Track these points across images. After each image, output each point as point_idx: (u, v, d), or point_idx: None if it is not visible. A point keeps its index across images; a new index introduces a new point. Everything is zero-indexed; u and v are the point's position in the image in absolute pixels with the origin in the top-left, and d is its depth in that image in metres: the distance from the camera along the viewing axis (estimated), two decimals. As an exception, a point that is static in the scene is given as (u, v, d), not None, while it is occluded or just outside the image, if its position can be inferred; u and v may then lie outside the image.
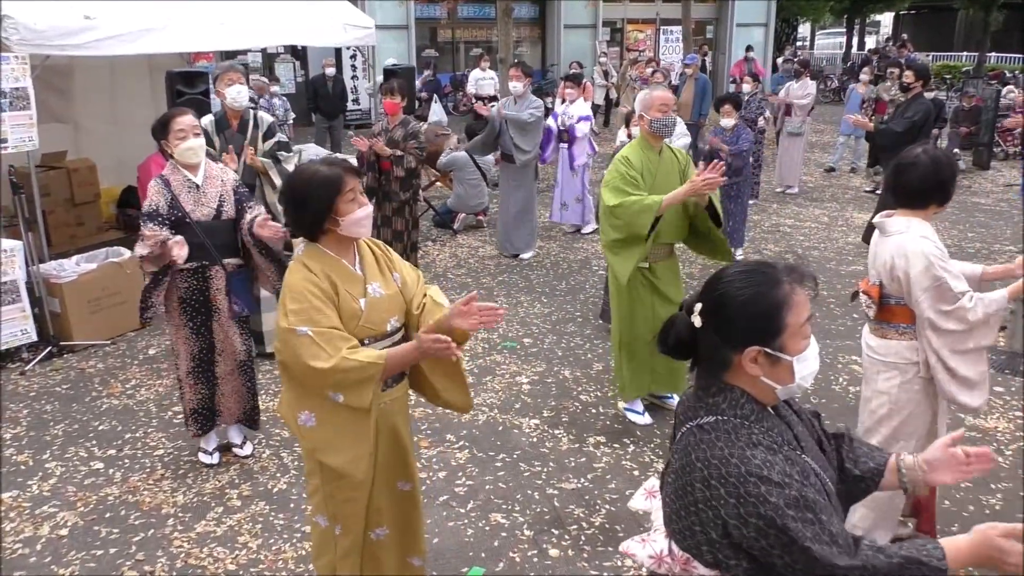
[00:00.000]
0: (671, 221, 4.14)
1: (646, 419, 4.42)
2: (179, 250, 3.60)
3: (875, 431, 3.18)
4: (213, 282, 3.85)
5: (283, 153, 5.29)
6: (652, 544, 1.67)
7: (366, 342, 2.41)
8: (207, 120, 4.99)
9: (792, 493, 1.43)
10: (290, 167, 5.23)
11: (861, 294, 3.16)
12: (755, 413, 1.57)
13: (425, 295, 2.60)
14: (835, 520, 1.48)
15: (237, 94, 4.97)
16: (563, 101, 8.24)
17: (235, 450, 4.16)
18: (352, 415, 2.36)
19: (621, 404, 4.54)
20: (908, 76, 7.34)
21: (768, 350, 1.53)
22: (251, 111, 5.13)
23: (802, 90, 10.43)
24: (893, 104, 7.76)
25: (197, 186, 3.78)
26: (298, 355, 2.26)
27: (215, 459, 4.06)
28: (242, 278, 3.95)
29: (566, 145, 8.08)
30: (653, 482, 1.82)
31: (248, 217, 3.85)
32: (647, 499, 1.83)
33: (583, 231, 8.49)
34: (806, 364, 1.57)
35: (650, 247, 4.11)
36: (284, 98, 11.30)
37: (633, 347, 4.31)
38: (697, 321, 1.58)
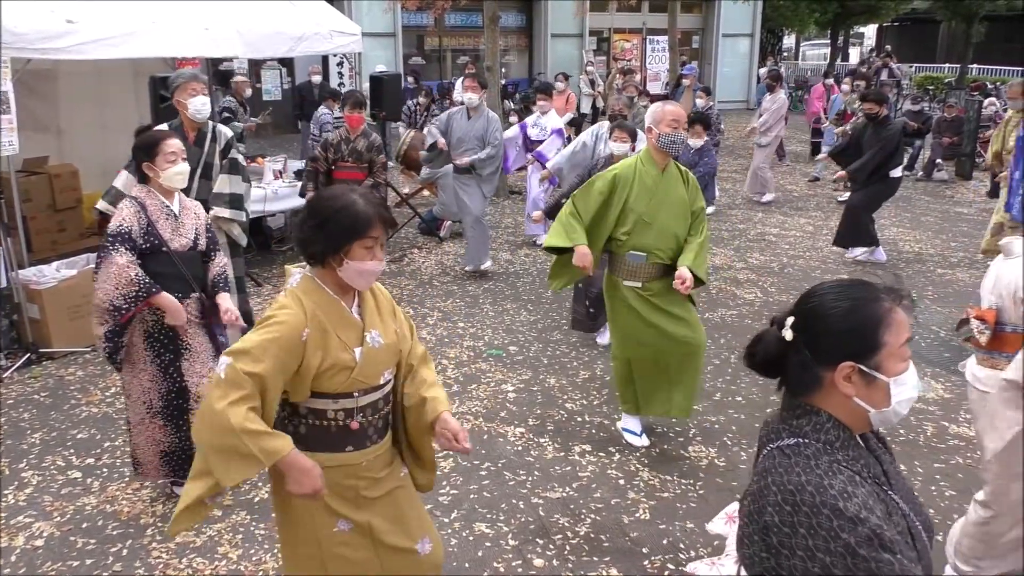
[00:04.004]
0: (663, 238, 4.01)
1: (643, 440, 4.31)
2: (178, 315, 3.43)
3: (990, 468, 2.96)
4: (186, 316, 3.58)
5: (233, 177, 4.94)
6: (720, 567, 1.61)
7: (355, 395, 2.23)
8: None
9: (865, 531, 1.33)
10: (242, 190, 4.96)
11: (973, 320, 2.95)
12: (840, 440, 1.48)
13: (416, 360, 2.44)
14: (917, 566, 1.38)
15: (202, 105, 4.64)
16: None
17: None
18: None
19: (619, 424, 4.44)
20: (871, 108, 7.41)
21: (863, 367, 1.46)
22: (210, 123, 4.85)
23: (772, 104, 10.48)
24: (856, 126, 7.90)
25: (175, 215, 3.57)
26: (215, 384, 2.06)
27: None
28: (214, 309, 3.72)
29: (538, 165, 8.01)
30: (734, 506, 1.74)
31: (214, 271, 3.68)
32: (726, 523, 1.76)
33: (538, 242, 8.29)
34: (904, 388, 1.48)
35: (641, 265, 4.03)
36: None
37: (635, 364, 4.18)
38: (788, 335, 1.51)
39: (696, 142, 7.21)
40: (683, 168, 4.15)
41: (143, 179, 3.56)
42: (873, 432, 1.59)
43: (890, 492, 1.48)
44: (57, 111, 7.94)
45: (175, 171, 3.50)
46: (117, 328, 3.44)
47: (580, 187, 4.15)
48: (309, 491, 2.13)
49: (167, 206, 3.55)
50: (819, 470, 1.42)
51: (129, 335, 3.51)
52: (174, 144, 3.51)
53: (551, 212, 5.46)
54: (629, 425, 4.38)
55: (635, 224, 3.98)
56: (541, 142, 8.07)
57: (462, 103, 7.16)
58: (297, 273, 2.24)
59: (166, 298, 3.43)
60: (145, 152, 3.49)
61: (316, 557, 2.33)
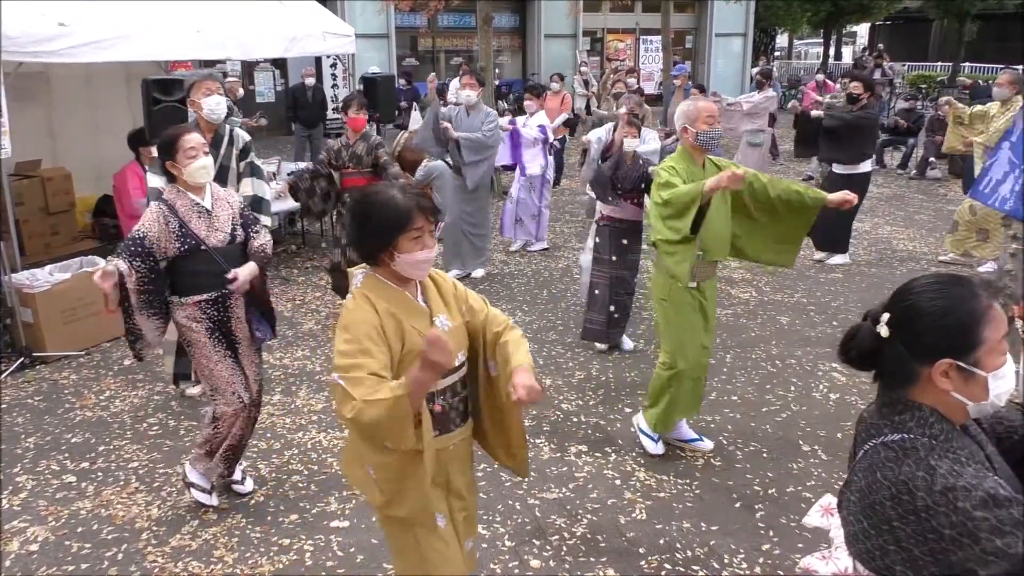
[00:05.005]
0: (716, 234, 3.88)
1: (659, 448, 4.19)
2: (105, 282, 3.25)
3: None
4: (233, 311, 3.59)
5: (256, 180, 4.91)
6: (836, 562, 1.61)
7: None
8: None
9: (979, 494, 1.36)
10: (265, 193, 4.92)
11: (1018, 320, 2.94)
12: (944, 433, 1.50)
13: (502, 327, 2.42)
14: None
15: (216, 105, 4.59)
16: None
17: (235, 487, 3.87)
18: (404, 462, 2.20)
19: (639, 424, 4.27)
20: (856, 87, 7.42)
21: (961, 364, 1.47)
22: (227, 126, 4.79)
23: (755, 99, 10.46)
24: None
25: (208, 210, 3.48)
26: (337, 405, 2.10)
27: (215, 500, 3.72)
28: (255, 303, 3.69)
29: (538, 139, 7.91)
30: (829, 499, 1.76)
31: (257, 243, 3.63)
32: (823, 516, 1.77)
33: (529, 248, 8.26)
34: (1003, 381, 1.49)
35: (698, 264, 3.87)
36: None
37: (682, 376, 4.03)
38: (884, 331, 1.53)
39: None
40: (714, 160, 4.02)
41: (171, 179, 3.48)
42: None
43: (995, 477, 1.48)
44: (49, 114, 7.92)
45: (197, 166, 3.40)
46: (127, 309, 3.40)
47: (657, 183, 3.86)
48: (442, 358, 1.98)
49: (198, 203, 3.46)
50: (930, 460, 1.44)
51: (190, 332, 3.51)
52: (193, 139, 3.41)
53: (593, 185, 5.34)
54: (648, 430, 4.22)
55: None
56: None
57: (458, 103, 7.13)
58: (359, 274, 2.27)
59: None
60: (166, 150, 3.41)
61: (415, 552, 2.36)
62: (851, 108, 7.40)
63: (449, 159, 6.98)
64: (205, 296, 3.49)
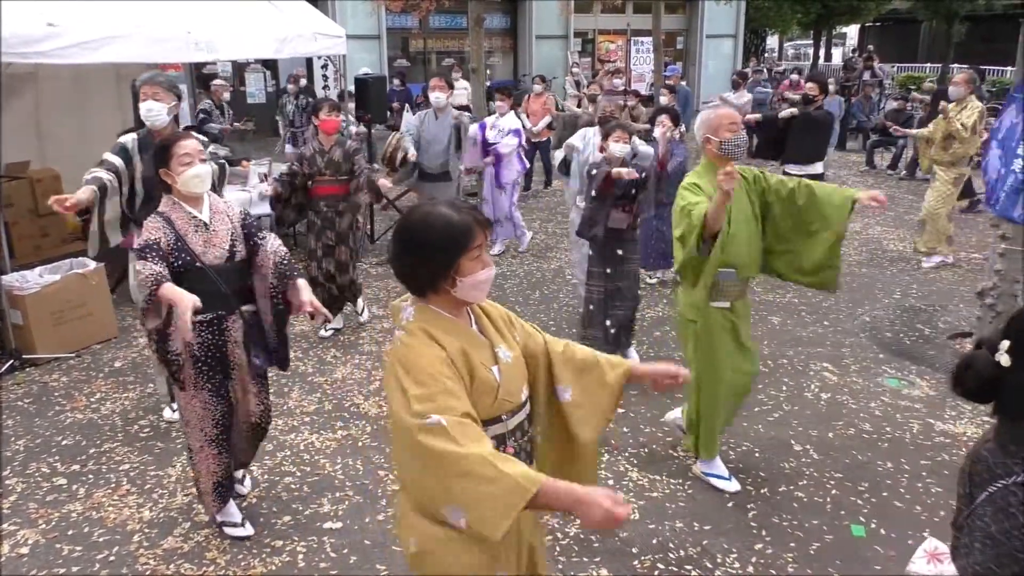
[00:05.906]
0: (748, 250, 3.64)
1: (734, 484, 3.91)
2: (186, 326, 2.83)
3: None
4: (230, 334, 3.30)
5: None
6: None
7: (503, 418, 2.03)
8: (130, 138, 4.32)
9: None
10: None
11: None
12: None
13: (563, 345, 2.23)
14: None
15: (148, 111, 4.22)
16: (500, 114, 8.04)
17: (236, 487, 3.75)
18: (469, 546, 1.88)
19: (698, 469, 4.02)
20: (812, 88, 7.42)
21: None
22: (180, 131, 4.63)
23: (737, 101, 10.50)
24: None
25: (205, 224, 3.22)
26: (422, 448, 1.76)
27: (249, 529, 3.54)
28: (258, 326, 3.37)
29: (492, 160, 7.90)
30: (934, 543, 1.69)
31: (270, 247, 3.31)
32: (930, 563, 1.70)
33: (519, 250, 8.26)
34: None
35: (732, 283, 3.65)
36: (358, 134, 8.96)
37: (717, 402, 3.83)
38: (1004, 360, 1.46)
39: (658, 131, 6.84)
40: (740, 169, 3.66)
41: (167, 189, 3.24)
42: None
43: None
44: (38, 115, 7.87)
45: (191, 174, 3.15)
46: (163, 334, 3.11)
47: (677, 211, 3.59)
48: (611, 520, 1.65)
49: (195, 216, 3.22)
50: None
51: (183, 355, 3.23)
52: (188, 145, 3.18)
53: (583, 230, 5.13)
54: (716, 470, 3.98)
55: (724, 237, 3.49)
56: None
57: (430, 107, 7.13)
58: (408, 307, 2.03)
59: (168, 289, 2.93)
60: (160, 158, 3.19)
61: None
62: (807, 110, 7.44)
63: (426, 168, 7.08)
64: (199, 318, 3.13)
